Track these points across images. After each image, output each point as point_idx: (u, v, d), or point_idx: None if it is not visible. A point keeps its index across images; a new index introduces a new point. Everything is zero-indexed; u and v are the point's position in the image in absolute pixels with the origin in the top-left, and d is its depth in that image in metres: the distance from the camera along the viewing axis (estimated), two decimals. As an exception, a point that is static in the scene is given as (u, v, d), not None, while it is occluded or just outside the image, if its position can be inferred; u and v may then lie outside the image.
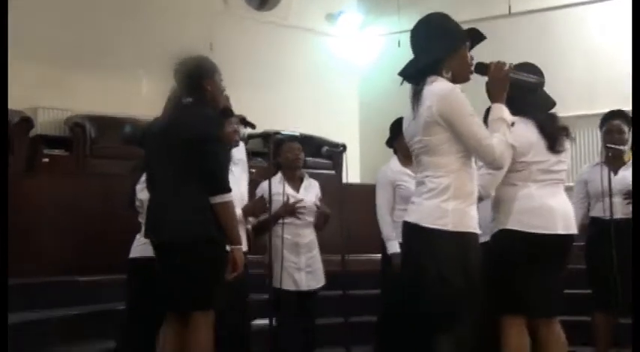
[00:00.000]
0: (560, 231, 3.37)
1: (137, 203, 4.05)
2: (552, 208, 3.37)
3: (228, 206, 3.25)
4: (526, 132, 3.40)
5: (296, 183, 4.63)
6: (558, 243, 3.38)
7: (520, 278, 3.34)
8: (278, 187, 4.47)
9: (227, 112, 4.10)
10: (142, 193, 3.92)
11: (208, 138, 3.25)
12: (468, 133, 2.73)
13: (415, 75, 2.86)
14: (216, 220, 3.22)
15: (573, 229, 3.46)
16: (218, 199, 3.21)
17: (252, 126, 4.23)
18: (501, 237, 3.39)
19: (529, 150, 3.38)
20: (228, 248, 3.32)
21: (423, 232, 2.79)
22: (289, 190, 4.54)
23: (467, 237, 2.78)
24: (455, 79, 2.85)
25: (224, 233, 3.25)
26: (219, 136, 3.32)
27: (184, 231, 3.21)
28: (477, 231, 2.84)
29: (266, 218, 4.38)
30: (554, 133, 3.43)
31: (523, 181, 3.38)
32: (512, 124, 2.88)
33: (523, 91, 3.35)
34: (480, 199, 3.18)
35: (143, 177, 3.91)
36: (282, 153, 4.63)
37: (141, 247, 4.01)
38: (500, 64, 2.86)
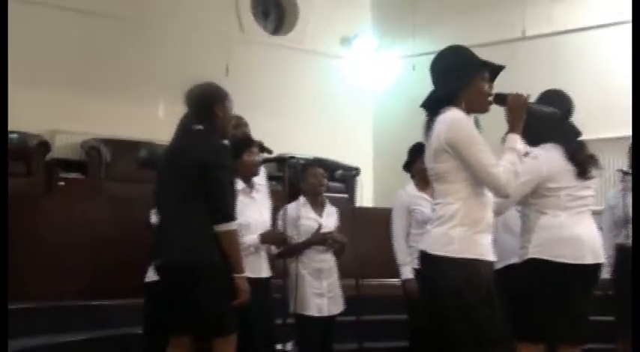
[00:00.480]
0: (589, 261, 3.38)
1: (153, 227, 4.08)
2: (582, 238, 3.38)
3: (232, 234, 3.28)
4: (556, 157, 3.44)
5: (318, 208, 4.63)
6: (587, 272, 3.39)
7: (548, 306, 3.34)
8: (304, 211, 4.51)
9: (249, 141, 4.13)
10: (154, 217, 3.95)
11: (214, 165, 3.28)
12: (475, 161, 2.76)
13: (431, 106, 2.92)
14: (220, 247, 3.24)
15: (601, 258, 3.47)
16: (221, 227, 3.24)
17: (270, 152, 4.25)
18: (531, 267, 3.40)
19: (557, 175, 3.41)
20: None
21: (432, 259, 2.83)
22: (315, 216, 4.57)
23: (474, 264, 2.78)
24: (472, 110, 2.89)
25: (228, 260, 3.27)
26: (225, 164, 3.35)
27: (187, 255, 3.24)
28: (487, 257, 2.84)
29: (295, 244, 4.41)
30: (584, 161, 3.46)
31: (553, 209, 3.40)
32: (526, 154, 2.90)
33: (552, 119, 3.38)
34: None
35: None
36: (306, 178, 4.63)
37: (153, 271, 4.03)
38: (517, 95, 2.88)
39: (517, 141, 2.86)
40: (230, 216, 3.28)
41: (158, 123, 7.88)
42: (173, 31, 8.61)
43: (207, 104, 3.44)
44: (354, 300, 4.56)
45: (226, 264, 3.26)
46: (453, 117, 2.82)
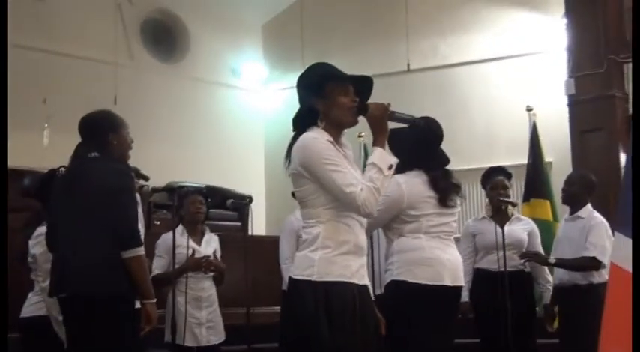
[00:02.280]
0: (448, 283, 3.45)
1: (30, 259, 3.93)
2: (441, 260, 3.45)
3: (141, 260, 3.20)
4: (418, 185, 3.50)
5: (197, 236, 4.62)
6: (446, 294, 3.46)
7: (410, 328, 3.37)
8: (180, 240, 4.46)
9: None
10: (36, 248, 3.83)
11: (120, 190, 3.21)
12: (330, 182, 2.65)
13: (296, 125, 2.85)
14: (126, 275, 3.15)
15: (461, 281, 3.56)
16: (130, 253, 3.15)
17: (146, 179, 4.16)
18: (392, 288, 3.46)
19: (418, 203, 3.47)
20: (138, 303, 3.26)
21: (292, 284, 2.73)
22: (192, 244, 4.52)
23: (334, 287, 2.66)
24: (337, 124, 2.80)
25: (135, 288, 3.19)
26: (130, 189, 3.28)
27: (91, 285, 3.13)
28: (353, 280, 2.71)
29: (170, 271, 4.34)
30: (446, 189, 3.53)
31: (413, 233, 3.47)
32: (390, 167, 2.73)
33: (420, 145, 3.46)
34: None
35: (36, 232, 3.81)
36: (184, 206, 4.61)
37: (33, 306, 3.92)
38: (377, 104, 2.78)
39: (377, 155, 2.73)
40: (138, 242, 3.20)
41: (43, 151, 7.65)
42: (59, 58, 8.42)
43: (100, 132, 3.36)
44: (245, 328, 4.54)
45: (130, 292, 3.18)
46: (305, 139, 2.73)
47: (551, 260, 4.67)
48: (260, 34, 10.71)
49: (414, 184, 3.49)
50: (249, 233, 4.98)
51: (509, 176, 4.94)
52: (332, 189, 2.66)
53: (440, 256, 3.44)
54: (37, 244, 3.80)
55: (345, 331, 2.65)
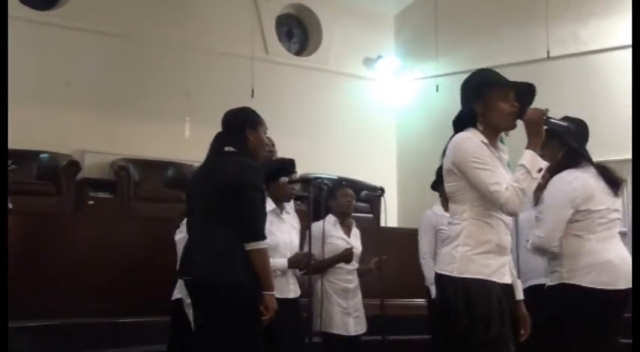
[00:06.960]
0: (622, 287, 3.33)
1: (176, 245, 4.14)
2: (615, 263, 3.33)
3: (262, 253, 3.32)
4: (589, 179, 3.39)
5: (346, 229, 4.67)
6: (621, 297, 3.34)
7: (579, 331, 3.29)
8: (333, 230, 4.54)
9: (292, 166, 4.18)
10: (178, 235, 4.04)
11: (246, 186, 3.33)
12: (476, 179, 2.79)
13: (456, 126, 2.99)
14: (247, 265, 3.27)
15: (630, 283, 3.41)
16: (252, 246, 3.29)
17: (294, 174, 4.29)
18: (563, 292, 3.35)
19: (592, 197, 3.36)
20: None
21: (437, 278, 2.88)
22: (345, 236, 4.61)
23: (472, 284, 2.76)
24: (495, 128, 2.91)
25: (257, 279, 3.30)
26: (256, 184, 3.39)
27: (210, 271, 3.28)
28: (494, 278, 2.81)
29: (320, 261, 4.42)
30: (615, 178, 3.44)
31: (585, 232, 3.35)
32: (540, 170, 2.81)
33: (579, 143, 3.39)
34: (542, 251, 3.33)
35: (184, 220, 4.00)
36: (336, 198, 4.68)
37: (177, 290, 4.11)
38: (535, 109, 2.86)
39: (527, 158, 2.81)
40: (261, 235, 3.32)
41: (184, 143, 7.99)
42: (199, 53, 8.75)
43: (238, 127, 3.51)
44: (379, 320, 4.57)
45: (253, 283, 3.29)
46: (458, 138, 2.88)
47: None
48: (392, 24, 10.67)
49: (585, 178, 3.39)
50: (382, 224, 4.99)
51: None
52: (478, 186, 2.79)
53: (612, 259, 3.32)
54: (179, 232, 3.99)
55: (486, 325, 2.74)
